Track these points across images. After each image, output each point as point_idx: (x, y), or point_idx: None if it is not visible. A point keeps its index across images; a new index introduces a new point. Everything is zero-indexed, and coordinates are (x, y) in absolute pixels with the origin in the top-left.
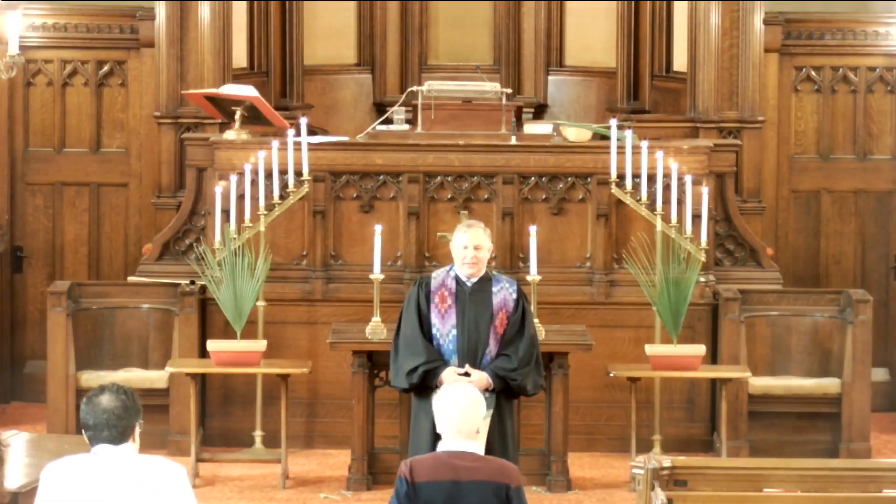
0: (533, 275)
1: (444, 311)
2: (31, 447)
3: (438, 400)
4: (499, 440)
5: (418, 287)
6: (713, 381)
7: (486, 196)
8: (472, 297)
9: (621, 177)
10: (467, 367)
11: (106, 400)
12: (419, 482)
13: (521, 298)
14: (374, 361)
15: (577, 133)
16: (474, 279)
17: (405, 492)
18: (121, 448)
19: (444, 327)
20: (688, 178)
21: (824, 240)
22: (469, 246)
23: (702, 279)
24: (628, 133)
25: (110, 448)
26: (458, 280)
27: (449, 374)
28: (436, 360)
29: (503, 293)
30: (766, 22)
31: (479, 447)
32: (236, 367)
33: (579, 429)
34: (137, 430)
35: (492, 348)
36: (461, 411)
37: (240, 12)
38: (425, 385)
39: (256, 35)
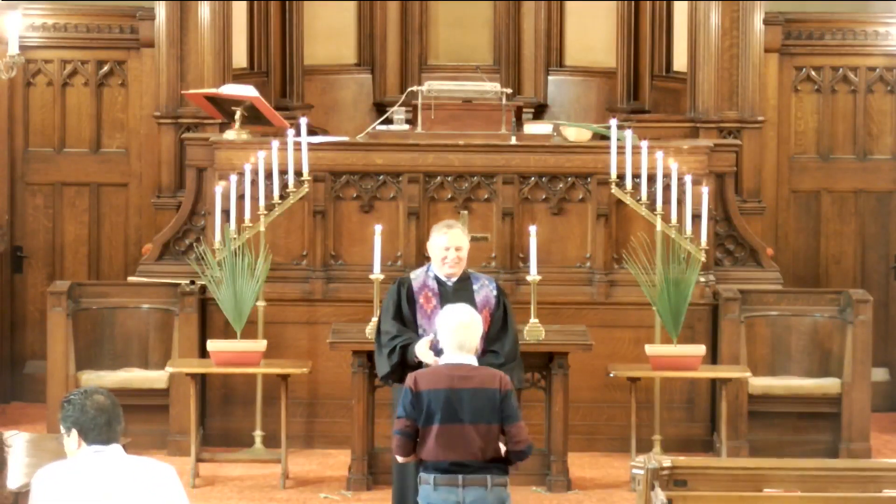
0: (533, 275)
1: (430, 312)
2: (31, 447)
3: (441, 317)
4: None
5: (398, 287)
6: (713, 381)
7: (486, 196)
8: (456, 296)
9: (621, 177)
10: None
11: (100, 400)
12: (421, 391)
13: (501, 295)
14: (373, 361)
15: (577, 133)
16: (454, 279)
17: (410, 400)
18: (111, 448)
19: (432, 327)
20: (688, 178)
21: (824, 240)
22: (451, 247)
23: (702, 279)
24: (628, 133)
25: (102, 449)
26: (438, 280)
27: (421, 346)
28: (408, 335)
29: (484, 291)
30: (766, 22)
31: (475, 360)
32: (236, 367)
33: (579, 429)
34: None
35: (479, 346)
36: (461, 328)
37: (240, 12)
38: (406, 365)
39: (256, 35)
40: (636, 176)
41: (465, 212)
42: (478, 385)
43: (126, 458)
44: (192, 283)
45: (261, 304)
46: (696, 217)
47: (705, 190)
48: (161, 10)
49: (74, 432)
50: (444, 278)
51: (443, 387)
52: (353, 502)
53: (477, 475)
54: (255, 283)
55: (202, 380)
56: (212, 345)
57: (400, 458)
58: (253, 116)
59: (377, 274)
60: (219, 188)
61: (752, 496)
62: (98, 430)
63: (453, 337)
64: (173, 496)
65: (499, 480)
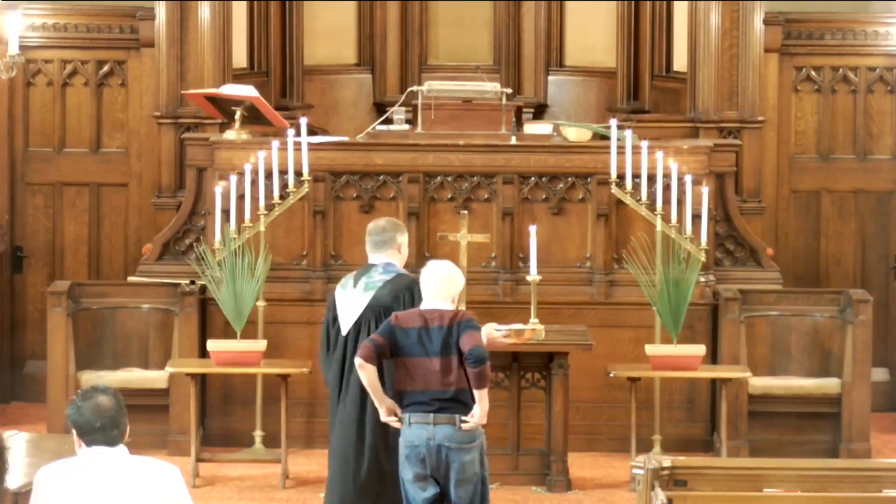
0: (533, 275)
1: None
2: (31, 447)
3: (423, 272)
4: None
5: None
6: (713, 381)
7: (486, 196)
8: None
9: (621, 177)
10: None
11: (103, 401)
12: (400, 326)
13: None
14: None
15: (577, 133)
16: None
17: (390, 328)
18: (115, 450)
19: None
20: (688, 178)
21: (824, 240)
22: None
23: (702, 279)
24: (628, 133)
25: (105, 450)
26: None
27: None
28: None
29: None
30: (766, 22)
31: (451, 305)
32: (236, 367)
33: (579, 429)
34: (127, 430)
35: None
36: (438, 280)
37: (240, 12)
38: None
39: (256, 35)
40: (636, 176)
41: (465, 212)
42: (442, 324)
43: (129, 458)
44: (192, 283)
45: (261, 304)
46: (696, 217)
47: (705, 190)
48: (161, 10)
49: (74, 432)
50: None
51: (416, 325)
52: None
53: (445, 413)
54: (255, 283)
55: (202, 380)
56: (212, 345)
57: (357, 362)
58: (253, 116)
59: None
60: (219, 188)
61: (752, 496)
62: (94, 433)
63: (431, 288)
64: (177, 496)
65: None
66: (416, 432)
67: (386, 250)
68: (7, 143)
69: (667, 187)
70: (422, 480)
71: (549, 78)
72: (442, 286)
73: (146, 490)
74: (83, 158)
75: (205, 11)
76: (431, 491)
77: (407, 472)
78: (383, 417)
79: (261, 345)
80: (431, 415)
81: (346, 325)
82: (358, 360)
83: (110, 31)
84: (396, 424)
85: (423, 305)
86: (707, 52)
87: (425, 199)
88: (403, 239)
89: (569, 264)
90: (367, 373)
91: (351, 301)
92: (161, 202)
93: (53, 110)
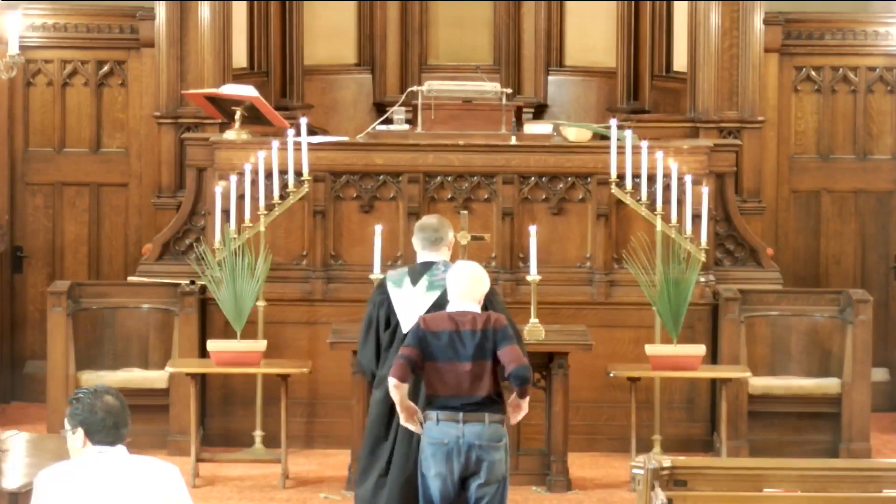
0: (533, 275)
1: None
2: (31, 447)
3: (449, 273)
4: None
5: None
6: (713, 381)
7: (486, 196)
8: None
9: (621, 177)
10: None
11: (110, 401)
12: (430, 330)
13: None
14: None
15: (577, 133)
16: None
17: (420, 335)
18: (115, 449)
19: None
20: (688, 178)
21: (824, 240)
22: None
23: (702, 279)
24: (628, 133)
25: (107, 449)
26: None
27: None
28: None
29: None
30: (766, 22)
31: (477, 307)
32: (236, 367)
33: (579, 429)
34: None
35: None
36: (465, 281)
37: (240, 12)
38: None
39: (256, 35)
40: (636, 176)
41: (465, 212)
42: (474, 327)
43: (130, 458)
44: (192, 283)
45: (261, 304)
46: (696, 217)
47: (705, 190)
48: (161, 10)
49: (80, 431)
50: None
51: (447, 328)
52: (352, 502)
53: (475, 412)
54: (255, 283)
55: (202, 380)
56: (212, 345)
57: (392, 382)
58: (253, 116)
59: (377, 274)
60: (219, 188)
61: (752, 496)
62: (105, 431)
63: (458, 289)
64: (177, 496)
65: (495, 417)
66: (444, 430)
67: (440, 248)
68: (7, 143)
69: (667, 187)
70: (443, 478)
71: (549, 78)
72: (470, 287)
73: (146, 490)
74: (83, 158)
75: (205, 11)
76: (451, 489)
77: (429, 469)
78: (403, 422)
79: (261, 345)
80: (461, 413)
81: (407, 324)
82: (392, 381)
83: (110, 31)
84: (417, 430)
85: (450, 307)
86: (707, 52)
87: (425, 199)
88: (452, 236)
89: (569, 264)
90: (399, 392)
91: (412, 300)
92: (161, 202)
93: (53, 110)
